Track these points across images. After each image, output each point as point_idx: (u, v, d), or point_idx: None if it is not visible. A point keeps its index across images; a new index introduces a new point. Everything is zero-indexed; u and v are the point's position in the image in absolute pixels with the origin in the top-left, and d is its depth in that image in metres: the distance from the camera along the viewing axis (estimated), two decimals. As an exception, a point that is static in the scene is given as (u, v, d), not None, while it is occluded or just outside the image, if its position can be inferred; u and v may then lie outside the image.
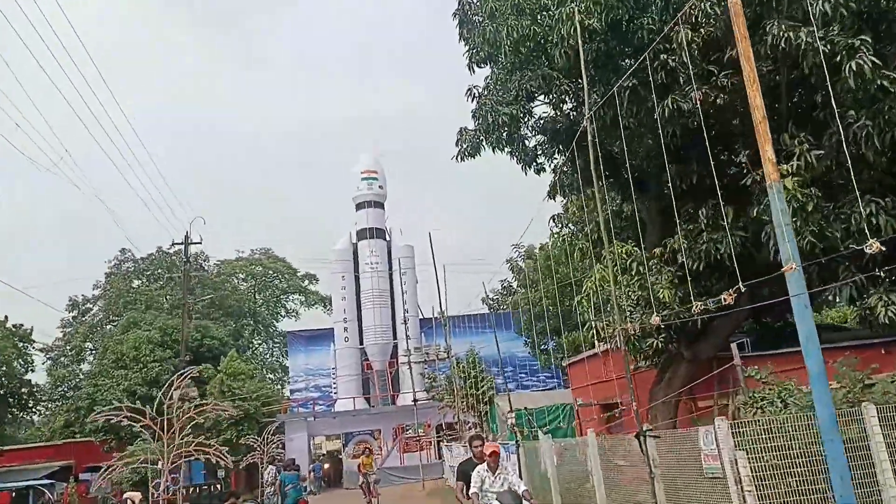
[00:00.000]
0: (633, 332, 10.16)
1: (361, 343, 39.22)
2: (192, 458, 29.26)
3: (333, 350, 39.14)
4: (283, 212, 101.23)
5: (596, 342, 19.15)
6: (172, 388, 13.03)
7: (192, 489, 28.32)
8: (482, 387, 22.86)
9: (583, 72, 9.38)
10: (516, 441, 14.28)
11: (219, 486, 29.23)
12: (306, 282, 64.41)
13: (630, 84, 10.41)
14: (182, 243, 26.06)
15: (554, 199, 18.34)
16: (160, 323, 36.11)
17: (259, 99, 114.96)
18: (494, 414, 22.70)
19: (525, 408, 18.07)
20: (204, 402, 25.47)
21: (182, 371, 13.83)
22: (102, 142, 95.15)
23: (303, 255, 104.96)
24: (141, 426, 13.08)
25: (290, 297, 65.21)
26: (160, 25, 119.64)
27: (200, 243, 26.38)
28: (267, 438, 27.85)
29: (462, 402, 22.57)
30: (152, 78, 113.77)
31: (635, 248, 11.11)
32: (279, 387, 49.14)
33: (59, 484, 32.12)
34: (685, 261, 10.68)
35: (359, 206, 40.53)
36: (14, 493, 27.59)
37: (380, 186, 40.66)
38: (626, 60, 11.25)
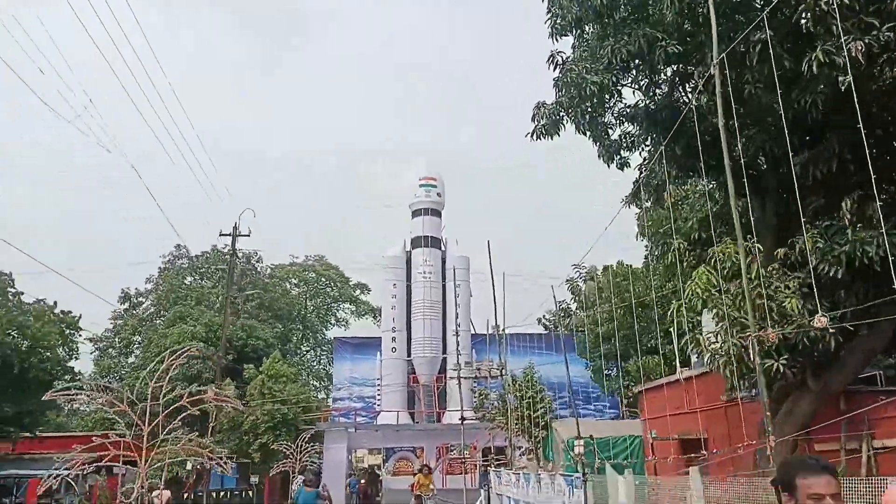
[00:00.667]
0: (767, 343, 7.94)
1: (409, 355, 37.49)
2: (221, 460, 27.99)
3: (380, 360, 37.53)
4: (337, 223, 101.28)
5: (678, 366, 16.81)
6: (164, 366, 11.33)
7: (222, 493, 26.96)
8: (539, 409, 20.67)
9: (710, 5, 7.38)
10: (583, 474, 12.10)
11: (250, 493, 27.81)
12: (358, 291, 63.33)
13: (762, 38, 8.31)
14: (230, 234, 24.97)
15: (637, 199, 16.23)
16: (206, 319, 35.24)
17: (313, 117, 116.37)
18: (551, 440, 20.45)
19: (591, 436, 15.84)
20: (202, 389, 24.24)
21: (180, 350, 12.11)
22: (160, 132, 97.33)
23: (355, 264, 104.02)
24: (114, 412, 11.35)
25: (341, 306, 64.32)
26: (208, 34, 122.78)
27: (249, 235, 25.27)
28: (301, 446, 26.24)
29: (515, 424, 20.42)
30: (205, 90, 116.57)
31: (755, 245, 8.92)
32: (322, 395, 47.84)
33: (93, 476, 31.35)
34: (816, 265, 8.46)
35: (415, 214, 39.03)
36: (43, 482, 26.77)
37: (438, 194, 39.11)
38: (755, 13, 9.16)
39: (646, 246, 27.00)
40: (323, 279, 62.19)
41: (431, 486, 18.38)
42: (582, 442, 12.94)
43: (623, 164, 14.84)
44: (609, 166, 14.88)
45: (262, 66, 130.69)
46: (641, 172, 13.62)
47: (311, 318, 60.84)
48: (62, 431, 43.78)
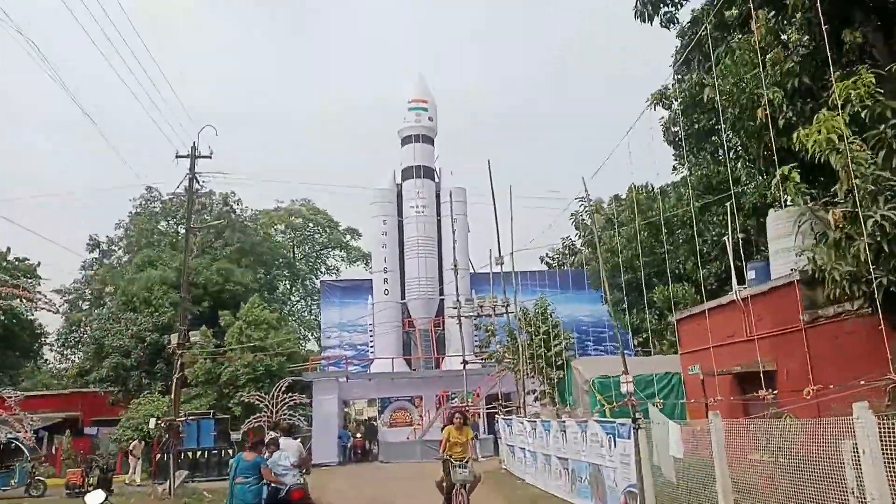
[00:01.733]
0: None
1: (403, 297, 34.34)
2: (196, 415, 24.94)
3: (371, 304, 34.38)
4: (325, 165, 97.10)
5: (734, 282, 13.62)
6: None
7: (199, 453, 24.10)
8: (556, 346, 17.55)
9: None
10: (633, 419, 8.96)
11: (230, 452, 24.97)
12: (348, 237, 60.13)
13: None
14: (188, 156, 21.31)
15: (682, 71, 12.85)
16: (178, 262, 31.88)
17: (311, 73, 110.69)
18: (569, 382, 17.38)
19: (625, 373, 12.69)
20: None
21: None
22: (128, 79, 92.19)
23: (342, 205, 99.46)
24: None
25: (331, 253, 61.16)
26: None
27: (210, 157, 21.57)
28: (276, 396, 23.27)
29: (528, 365, 17.33)
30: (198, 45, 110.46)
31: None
32: (315, 348, 45.03)
33: (59, 437, 28.50)
34: None
35: (405, 141, 35.27)
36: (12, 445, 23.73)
37: (430, 118, 35.28)
38: None
39: (675, 154, 23.58)
40: (311, 224, 58.78)
41: (469, 447, 11.11)
42: (630, 378, 9.73)
43: (669, 21, 11.42)
44: (650, 23, 11.41)
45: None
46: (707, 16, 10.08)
47: (300, 267, 57.68)
48: (45, 389, 40.98)
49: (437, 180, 35.78)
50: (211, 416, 26.00)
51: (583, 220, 43.97)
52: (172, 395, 20.51)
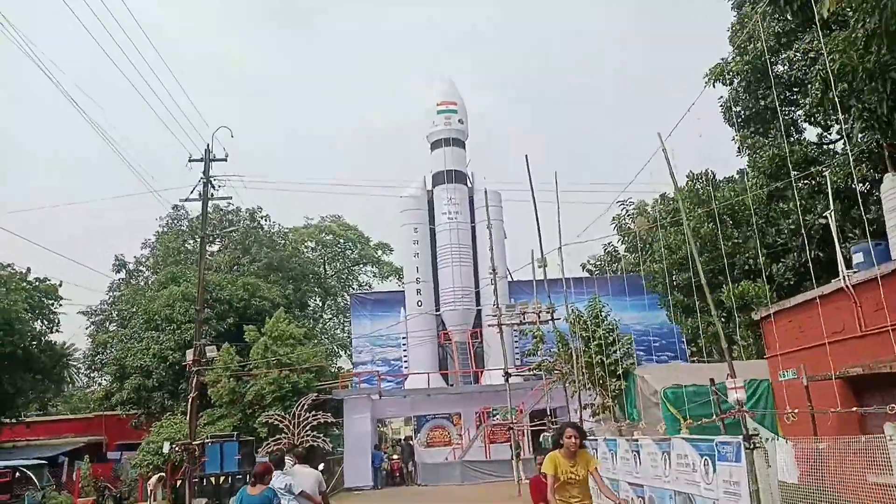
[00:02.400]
0: None
1: (438, 309, 32.38)
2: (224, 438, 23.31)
3: (405, 316, 32.49)
4: (353, 179, 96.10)
5: (840, 268, 11.34)
6: None
7: (222, 478, 22.32)
8: (613, 353, 15.35)
9: None
10: (746, 437, 6.81)
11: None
12: (380, 252, 58.70)
13: None
14: (201, 159, 19.80)
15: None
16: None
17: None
18: (633, 393, 15.16)
19: (711, 380, 10.54)
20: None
21: None
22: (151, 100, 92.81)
23: (372, 219, 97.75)
24: None
25: (363, 269, 59.76)
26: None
27: (226, 160, 20.04)
28: (297, 415, 21.43)
29: (583, 374, 15.15)
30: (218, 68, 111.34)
31: None
32: (348, 366, 43.29)
33: (79, 463, 27.07)
34: None
35: (434, 146, 33.52)
36: (17, 473, 22.33)
37: (459, 121, 33.50)
38: None
39: (738, 136, 21.18)
40: (341, 241, 57.49)
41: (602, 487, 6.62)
42: (740, 383, 7.55)
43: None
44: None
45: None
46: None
47: (332, 284, 56.29)
48: (71, 413, 39.94)
49: (469, 185, 33.90)
50: (234, 438, 24.25)
51: (626, 223, 41.79)
52: (188, 416, 18.84)
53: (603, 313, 16.39)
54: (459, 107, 33.48)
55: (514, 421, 27.76)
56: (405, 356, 32.13)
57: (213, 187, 20.18)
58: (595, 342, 15.15)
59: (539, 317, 20.42)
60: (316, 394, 26.53)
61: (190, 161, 20.04)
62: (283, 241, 44.55)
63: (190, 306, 29.17)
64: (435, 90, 33.80)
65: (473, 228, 33.19)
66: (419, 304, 32.08)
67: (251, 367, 26.93)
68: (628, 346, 15.72)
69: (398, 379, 31.80)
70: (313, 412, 22.30)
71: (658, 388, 13.61)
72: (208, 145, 19.90)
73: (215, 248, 44.64)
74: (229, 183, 20.94)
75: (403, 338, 32.41)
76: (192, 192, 20.27)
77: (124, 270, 41.73)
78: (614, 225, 41.84)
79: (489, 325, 24.45)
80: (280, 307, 30.93)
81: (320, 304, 55.17)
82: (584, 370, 15.05)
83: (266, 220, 43.68)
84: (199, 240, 43.51)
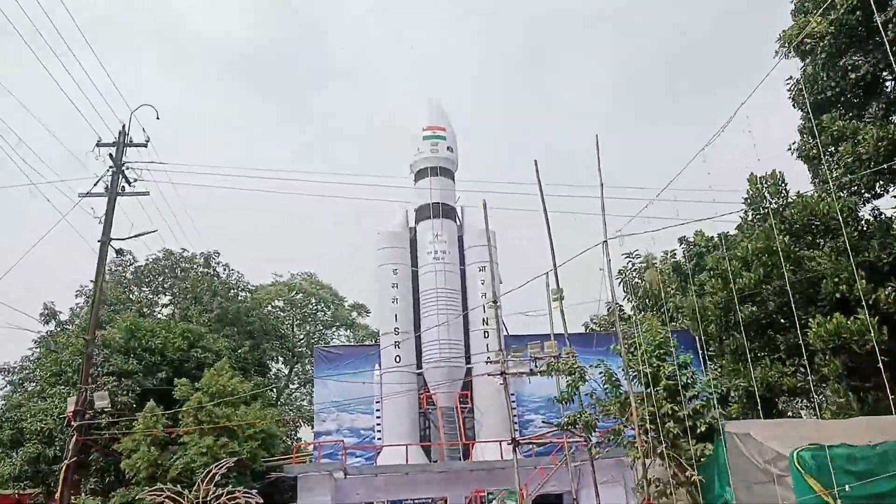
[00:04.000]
0: None
1: (420, 367, 26.93)
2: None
3: (379, 375, 26.91)
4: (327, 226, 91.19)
5: None
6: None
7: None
8: (690, 399, 10.17)
9: None
10: None
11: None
12: (354, 313, 53.35)
13: None
14: (114, 143, 14.87)
15: None
16: (128, 322, 24.85)
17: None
18: (721, 462, 9.87)
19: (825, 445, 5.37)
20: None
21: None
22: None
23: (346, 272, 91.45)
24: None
25: (336, 333, 54.07)
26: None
27: (146, 145, 15.14)
28: (208, 494, 15.73)
29: (646, 433, 9.88)
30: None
31: None
32: (307, 434, 37.19)
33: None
34: None
35: (419, 175, 29.00)
36: None
37: (448, 148, 29.16)
38: None
39: (810, 124, 16.66)
40: (313, 300, 52.09)
41: None
42: None
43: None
44: None
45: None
46: None
47: (301, 350, 50.38)
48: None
49: (459, 222, 29.19)
50: (148, 529, 18.16)
51: (632, 278, 37.10)
52: (59, 492, 13.10)
53: (667, 342, 11.29)
54: (448, 133, 29.23)
55: (516, 507, 21.94)
56: (378, 425, 26.30)
57: (127, 180, 15.13)
58: (661, 383, 9.98)
59: (558, 366, 15.17)
60: (281, 473, 20.72)
61: (98, 146, 15.06)
62: (244, 294, 39.04)
63: (112, 354, 23.46)
64: (421, 114, 29.56)
65: (463, 272, 28.24)
66: (397, 360, 26.60)
67: (180, 433, 21.08)
68: (710, 391, 10.56)
69: (369, 453, 25.84)
70: (243, 491, 16.44)
71: (783, 451, 8.39)
72: (124, 126, 15.02)
73: (165, 299, 39.03)
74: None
75: (377, 402, 26.69)
76: (95, 184, 15.17)
77: (54, 321, 35.69)
78: (620, 280, 37.35)
79: (489, 375, 19.04)
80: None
81: (285, 371, 49.12)
82: (646, 426, 9.84)
83: (224, 269, 38.32)
84: (143, 290, 38.11)
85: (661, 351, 11.00)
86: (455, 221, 28.89)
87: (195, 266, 37.24)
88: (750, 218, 15.68)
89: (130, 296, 37.31)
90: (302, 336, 51.76)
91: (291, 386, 50.89)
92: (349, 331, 53.07)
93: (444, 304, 26.95)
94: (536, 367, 16.39)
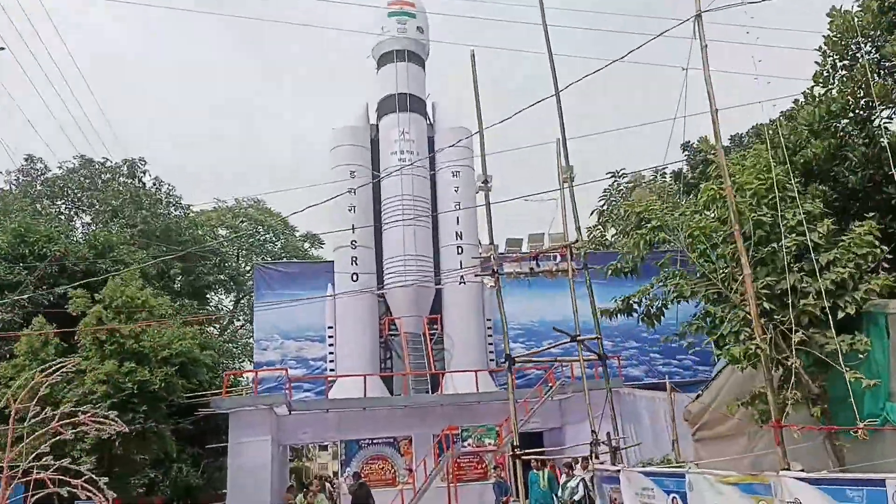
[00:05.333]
0: None
1: (380, 287, 22.79)
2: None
3: (332, 296, 22.67)
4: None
5: None
6: None
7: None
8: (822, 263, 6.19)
9: None
10: None
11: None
12: (307, 245, 48.55)
13: None
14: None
15: None
16: (17, 223, 19.88)
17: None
18: (881, 359, 5.87)
19: None
20: None
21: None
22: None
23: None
24: None
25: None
26: None
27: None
28: None
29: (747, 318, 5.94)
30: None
31: None
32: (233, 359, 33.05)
33: None
34: None
35: (382, 61, 24.22)
36: None
37: (418, 28, 24.37)
38: None
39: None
40: (261, 229, 47.04)
41: None
42: None
43: None
44: None
45: None
46: None
47: (248, 282, 45.48)
48: None
49: (429, 120, 24.67)
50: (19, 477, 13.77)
51: (617, 201, 33.37)
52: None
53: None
54: (418, 10, 24.39)
55: (497, 447, 18.35)
56: (331, 354, 22.18)
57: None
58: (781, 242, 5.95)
59: (574, 251, 11.13)
60: (210, 409, 16.51)
61: None
62: (177, 213, 33.87)
63: (-10, 263, 18.54)
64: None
65: (433, 177, 23.92)
66: (354, 278, 22.35)
67: (76, 355, 16.53)
68: (859, 252, 6.62)
69: (319, 385, 21.78)
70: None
71: None
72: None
73: (86, 218, 33.60)
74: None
75: (329, 327, 22.51)
76: None
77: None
78: (604, 201, 33.66)
79: (476, 276, 14.75)
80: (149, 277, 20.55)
81: (226, 303, 44.34)
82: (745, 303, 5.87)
83: (154, 182, 32.99)
84: (57, 203, 32.65)
85: (769, 198, 6.99)
86: (425, 119, 24.36)
87: (118, 177, 31.93)
88: (829, 65, 11.67)
89: (41, 210, 31.87)
90: (248, 269, 46.94)
91: (236, 322, 46.27)
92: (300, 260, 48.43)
93: (410, 214, 22.68)
94: (538, 266, 12.34)
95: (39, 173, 32.57)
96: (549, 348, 11.99)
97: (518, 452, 10.98)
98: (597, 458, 10.20)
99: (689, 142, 27.86)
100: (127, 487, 17.63)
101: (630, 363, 24.33)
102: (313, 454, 56.67)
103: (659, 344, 24.19)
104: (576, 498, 12.38)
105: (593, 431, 10.45)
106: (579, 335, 10.75)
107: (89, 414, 9.25)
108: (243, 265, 44.95)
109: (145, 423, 15.32)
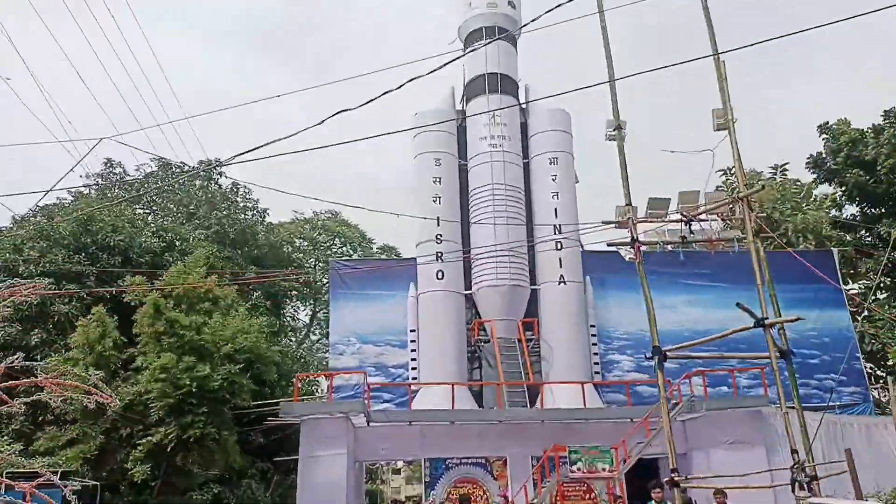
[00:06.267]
0: None
1: (469, 287, 20.29)
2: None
3: (414, 297, 20.33)
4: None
5: None
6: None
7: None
8: None
9: None
10: None
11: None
12: (384, 256, 46.75)
13: None
14: None
15: None
16: (81, 210, 18.59)
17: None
18: None
19: None
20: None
21: None
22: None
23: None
24: None
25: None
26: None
27: None
28: None
29: None
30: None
31: None
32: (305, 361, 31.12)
33: None
34: None
35: (470, 39, 22.01)
36: None
37: (510, 3, 22.09)
38: None
39: None
40: (337, 242, 45.67)
41: None
42: None
43: None
44: None
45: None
46: None
47: (325, 297, 43.95)
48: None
49: (523, 103, 22.18)
50: (62, 483, 11.89)
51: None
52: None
53: None
54: (511, -17, 22.11)
55: (611, 471, 15.31)
56: (413, 360, 19.74)
57: None
58: None
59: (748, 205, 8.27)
60: (278, 417, 14.43)
61: None
62: (253, 216, 32.60)
63: (52, 250, 17.18)
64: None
65: (527, 165, 21.34)
66: (439, 276, 19.93)
67: (133, 355, 14.78)
68: None
69: (400, 395, 19.33)
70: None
71: None
72: None
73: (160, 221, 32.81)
74: None
75: (412, 331, 20.11)
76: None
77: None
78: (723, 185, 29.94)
79: (608, 245, 11.82)
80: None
81: (305, 319, 42.86)
82: None
83: (231, 184, 31.90)
84: (135, 209, 32.03)
85: None
86: (517, 98, 21.88)
87: (195, 180, 31.00)
88: None
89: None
90: (325, 282, 45.45)
91: (312, 337, 44.71)
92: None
93: (502, 206, 20.13)
94: (691, 233, 9.46)
95: (118, 178, 32.10)
96: (724, 335, 8.92)
97: (676, 478, 8.06)
98: (802, 488, 7.18)
99: (828, 122, 24.25)
100: (188, 503, 15.63)
101: (756, 381, 20.71)
102: (387, 477, 54.09)
103: (795, 361, 20.54)
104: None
105: (794, 451, 7.41)
106: (766, 318, 7.78)
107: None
108: (320, 278, 43.50)
109: (204, 429, 13.20)
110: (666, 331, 20.20)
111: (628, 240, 9.81)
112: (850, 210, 24.68)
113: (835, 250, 21.56)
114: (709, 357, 10.96)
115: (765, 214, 25.41)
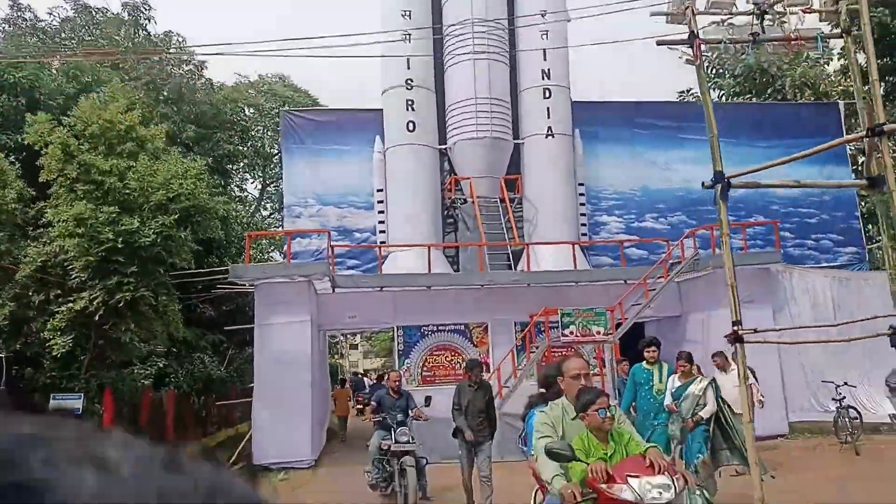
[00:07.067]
0: None
1: (444, 141, 17.88)
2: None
3: (381, 152, 17.84)
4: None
5: None
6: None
7: None
8: None
9: None
10: None
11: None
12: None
13: None
14: None
15: None
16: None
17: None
18: None
19: None
20: None
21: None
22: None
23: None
24: None
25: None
26: None
27: None
28: None
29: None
30: None
31: None
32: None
33: None
34: None
35: None
36: None
37: None
38: None
39: None
40: (286, 106, 41.76)
41: None
42: None
43: None
44: None
45: None
46: None
47: (275, 168, 40.66)
48: None
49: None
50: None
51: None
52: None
53: None
54: None
55: (606, 333, 13.89)
56: (381, 224, 17.56)
57: None
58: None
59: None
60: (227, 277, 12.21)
61: None
62: (188, 69, 28.65)
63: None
64: None
65: (510, 2, 18.37)
66: (410, 127, 17.38)
67: (43, 206, 12.12)
68: None
69: (367, 260, 17.32)
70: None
71: None
72: None
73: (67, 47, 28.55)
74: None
75: (379, 191, 17.78)
76: None
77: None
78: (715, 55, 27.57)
79: (666, 45, 9.36)
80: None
81: (255, 194, 39.91)
82: None
83: (163, 34, 27.75)
84: (48, 40, 27.78)
85: None
86: (500, -79, 18.50)
87: (124, 27, 26.83)
88: None
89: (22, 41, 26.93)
90: (277, 152, 41.98)
91: (264, 212, 41.86)
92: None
93: (482, 45, 17.33)
94: (763, 31, 7.24)
95: (29, 23, 27.51)
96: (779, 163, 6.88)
97: (741, 331, 6.30)
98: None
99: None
100: (126, 378, 13.65)
101: (756, 242, 19.40)
102: (346, 351, 53.42)
103: (792, 221, 19.20)
104: (702, 414, 7.58)
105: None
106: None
107: None
108: (270, 145, 39.99)
109: (136, 292, 10.94)
110: (656, 189, 18.33)
111: (685, 36, 7.60)
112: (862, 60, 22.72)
113: (841, 103, 19.80)
114: (783, 185, 9.00)
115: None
